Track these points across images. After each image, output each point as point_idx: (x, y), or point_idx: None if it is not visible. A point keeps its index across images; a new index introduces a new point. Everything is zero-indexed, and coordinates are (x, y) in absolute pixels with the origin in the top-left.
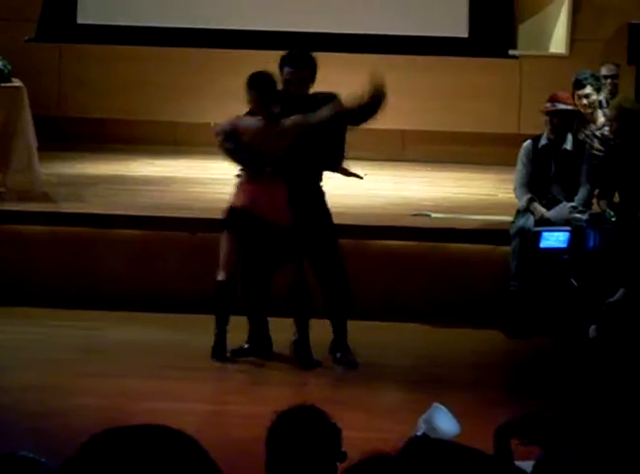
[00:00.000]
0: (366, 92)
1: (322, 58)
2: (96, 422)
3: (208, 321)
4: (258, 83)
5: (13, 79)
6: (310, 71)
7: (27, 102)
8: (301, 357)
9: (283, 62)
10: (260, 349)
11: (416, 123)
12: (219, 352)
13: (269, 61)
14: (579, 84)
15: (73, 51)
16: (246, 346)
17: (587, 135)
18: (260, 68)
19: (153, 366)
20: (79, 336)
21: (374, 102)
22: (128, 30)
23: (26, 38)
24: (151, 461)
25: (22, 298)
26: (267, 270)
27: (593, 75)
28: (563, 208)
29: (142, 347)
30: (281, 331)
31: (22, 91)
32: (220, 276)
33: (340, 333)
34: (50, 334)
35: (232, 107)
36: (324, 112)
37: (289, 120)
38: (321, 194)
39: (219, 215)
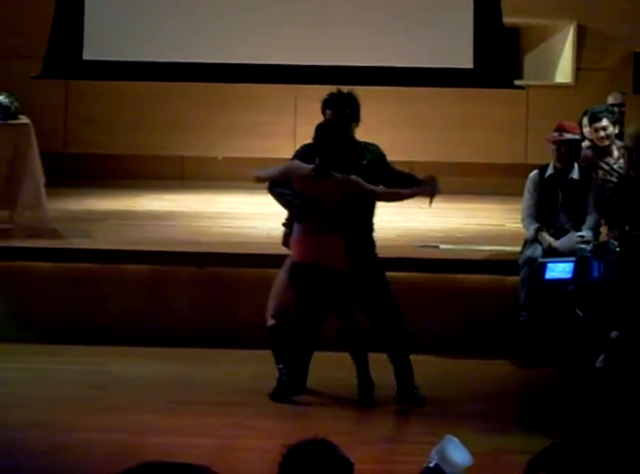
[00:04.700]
0: (423, 190)
1: (326, 91)
2: (103, 458)
3: (216, 355)
4: (327, 143)
5: (20, 116)
6: (351, 110)
7: (34, 138)
8: (361, 395)
9: (325, 105)
10: (295, 385)
11: (423, 155)
12: (280, 394)
13: (271, 95)
14: (595, 117)
15: (79, 88)
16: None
17: (606, 171)
18: (263, 101)
19: (161, 401)
20: (86, 372)
21: (424, 194)
22: (133, 65)
23: (32, 75)
24: None
25: (29, 335)
26: (322, 315)
27: (607, 109)
28: (571, 238)
29: (150, 382)
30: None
31: (29, 128)
32: (271, 322)
33: (408, 370)
34: (57, 370)
35: (236, 140)
36: (385, 193)
37: (343, 178)
38: (373, 244)
39: (227, 249)
